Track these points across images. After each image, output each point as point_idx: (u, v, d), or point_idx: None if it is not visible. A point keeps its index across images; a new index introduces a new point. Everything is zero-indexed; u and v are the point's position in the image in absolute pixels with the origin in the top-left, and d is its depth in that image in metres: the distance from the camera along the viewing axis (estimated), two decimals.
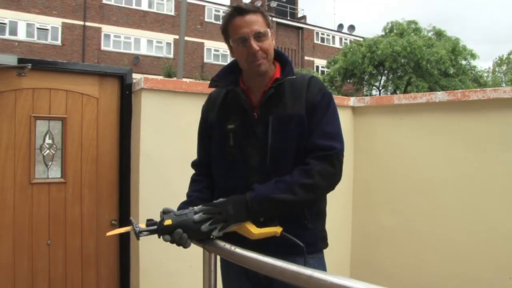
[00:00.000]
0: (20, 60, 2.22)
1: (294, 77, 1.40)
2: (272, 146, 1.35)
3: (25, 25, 18.15)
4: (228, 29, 1.39)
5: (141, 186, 2.38)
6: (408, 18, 21.22)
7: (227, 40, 1.42)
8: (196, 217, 1.20)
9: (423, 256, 2.67)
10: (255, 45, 1.34)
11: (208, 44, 22.46)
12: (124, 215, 2.51)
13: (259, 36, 1.35)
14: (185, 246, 1.21)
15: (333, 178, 1.34)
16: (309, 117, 1.36)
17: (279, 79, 1.39)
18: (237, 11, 1.36)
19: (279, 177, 1.31)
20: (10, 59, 2.19)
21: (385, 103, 2.95)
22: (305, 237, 1.34)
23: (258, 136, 1.37)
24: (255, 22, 1.35)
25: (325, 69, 23.58)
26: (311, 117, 1.36)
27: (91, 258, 2.49)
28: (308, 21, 27.50)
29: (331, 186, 1.36)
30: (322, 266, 1.44)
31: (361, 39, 23.66)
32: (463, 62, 19.33)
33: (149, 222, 1.21)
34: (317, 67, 26.34)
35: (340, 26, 28.41)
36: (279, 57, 1.46)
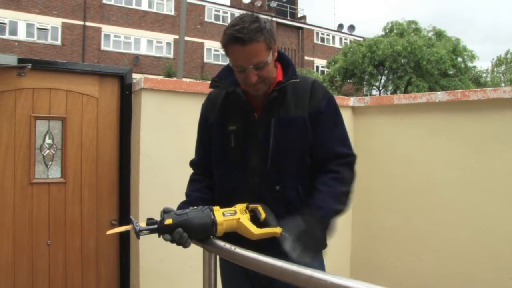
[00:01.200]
0: (20, 60, 2.22)
1: (298, 80, 1.39)
2: (274, 148, 1.36)
3: (25, 25, 18.14)
4: (228, 51, 1.31)
5: (141, 186, 2.38)
6: (409, 18, 21.23)
7: (227, 54, 1.34)
8: (291, 250, 1.19)
9: (423, 256, 2.66)
10: (253, 76, 1.29)
11: (208, 44, 22.45)
12: (124, 215, 2.51)
13: (259, 67, 1.30)
14: (185, 246, 1.21)
15: (354, 183, 1.39)
16: (315, 122, 1.37)
17: (282, 82, 1.38)
18: (237, 40, 1.25)
19: (315, 186, 1.34)
20: (10, 59, 2.19)
21: (385, 103, 2.95)
22: None
23: (259, 138, 1.37)
24: (256, 53, 1.27)
25: (325, 69, 23.57)
26: (319, 122, 1.37)
27: (91, 258, 2.49)
28: (308, 21, 27.48)
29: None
30: (321, 267, 1.44)
31: (361, 39, 23.65)
32: (461, 64, 19.31)
33: (150, 221, 1.21)
34: (317, 67, 26.33)
35: (340, 26, 28.39)
36: (281, 58, 1.45)
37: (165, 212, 1.22)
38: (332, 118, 1.40)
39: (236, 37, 1.25)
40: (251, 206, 1.31)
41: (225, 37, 1.29)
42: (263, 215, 1.30)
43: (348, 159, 1.38)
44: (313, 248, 1.24)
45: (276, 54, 1.38)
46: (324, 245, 1.40)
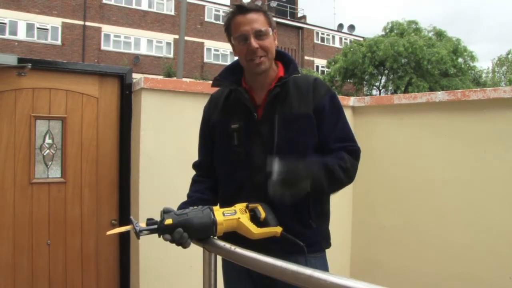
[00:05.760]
0: (20, 60, 2.22)
1: (299, 75, 1.42)
2: (279, 145, 1.36)
3: (25, 25, 18.13)
4: (230, 27, 1.40)
5: (141, 186, 2.38)
6: (409, 18, 21.22)
7: (229, 39, 1.43)
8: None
9: (423, 256, 2.66)
10: (254, 43, 1.35)
11: (208, 44, 22.44)
12: (124, 215, 2.51)
13: (260, 35, 1.36)
14: (185, 246, 1.21)
15: (356, 171, 1.40)
16: (318, 118, 1.38)
17: (284, 78, 1.39)
18: (239, 9, 1.38)
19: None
20: (10, 59, 2.19)
21: (385, 103, 2.95)
22: (309, 237, 1.35)
23: (263, 135, 1.38)
24: (256, 20, 1.36)
25: (325, 69, 23.55)
26: (322, 118, 1.38)
27: (91, 258, 2.49)
28: (308, 21, 27.46)
29: (352, 179, 1.40)
30: (324, 266, 1.44)
31: (361, 39, 23.63)
32: (461, 63, 19.31)
33: (150, 221, 1.21)
34: (317, 67, 26.31)
35: (340, 26, 28.37)
36: (282, 57, 1.47)
37: (165, 212, 1.22)
38: (335, 114, 1.41)
39: (237, 6, 1.38)
40: (251, 205, 1.31)
41: (227, 15, 1.41)
42: (263, 214, 1.31)
43: (354, 147, 1.40)
44: (292, 180, 1.21)
45: (276, 42, 1.43)
46: (305, 189, 1.25)
